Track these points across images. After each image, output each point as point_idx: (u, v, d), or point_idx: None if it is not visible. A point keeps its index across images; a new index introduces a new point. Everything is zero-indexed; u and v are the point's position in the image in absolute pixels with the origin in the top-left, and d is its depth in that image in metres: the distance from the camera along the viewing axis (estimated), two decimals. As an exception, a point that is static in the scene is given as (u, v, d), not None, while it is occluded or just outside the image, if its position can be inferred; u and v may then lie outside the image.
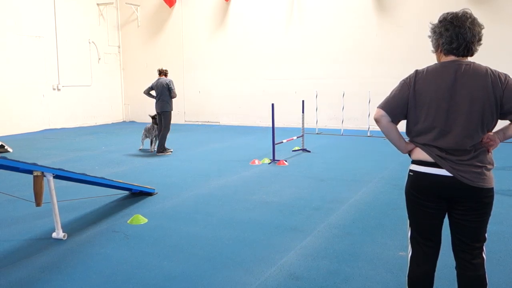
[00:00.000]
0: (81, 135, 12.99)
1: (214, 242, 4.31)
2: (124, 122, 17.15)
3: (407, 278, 2.59)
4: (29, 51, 13.82)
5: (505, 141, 2.45)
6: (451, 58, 2.38)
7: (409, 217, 2.57)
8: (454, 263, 2.55)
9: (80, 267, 3.79)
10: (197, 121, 15.98)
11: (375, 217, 4.99)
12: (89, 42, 15.80)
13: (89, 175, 5.11)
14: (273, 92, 14.21)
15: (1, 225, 4.93)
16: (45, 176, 4.32)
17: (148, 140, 9.90)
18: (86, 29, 15.66)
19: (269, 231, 4.60)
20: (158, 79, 9.42)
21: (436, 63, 2.44)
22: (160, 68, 9.69)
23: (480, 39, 2.36)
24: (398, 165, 7.74)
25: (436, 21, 2.44)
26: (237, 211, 5.30)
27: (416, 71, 2.45)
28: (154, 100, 9.48)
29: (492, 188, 2.40)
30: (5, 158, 4.18)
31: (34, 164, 4.29)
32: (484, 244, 2.49)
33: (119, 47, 17.06)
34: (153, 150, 9.62)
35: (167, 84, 9.25)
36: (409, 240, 2.60)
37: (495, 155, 2.49)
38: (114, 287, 3.43)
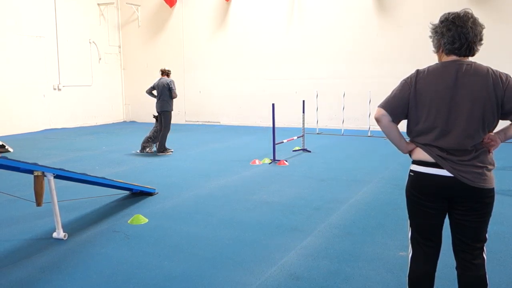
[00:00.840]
0: (82, 135, 13.00)
1: (214, 242, 4.31)
2: (124, 122, 17.16)
3: (407, 278, 2.59)
4: (30, 51, 13.83)
5: (506, 141, 2.45)
6: (453, 58, 2.38)
7: (410, 217, 2.56)
8: (454, 263, 2.55)
9: (80, 267, 3.79)
10: (197, 121, 15.99)
11: (376, 217, 4.99)
12: (90, 42, 15.81)
13: (89, 175, 5.11)
14: (274, 92, 14.21)
15: (2, 225, 4.93)
16: (45, 176, 4.32)
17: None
18: (87, 29, 15.66)
19: (270, 231, 4.60)
20: (160, 79, 9.45)
21: (437, 63, 2.44)
22: (163, 68, 9.71)
23: (481, 39, 2.36)
24: (399, 165, 7.74)
25: (436, 21, 2.44)
26: (238, 211, 5.30)
27: (417, 70, 2.45)
28: (155, 100, 9.50)
29: (493, 189, 2.40)
30: (5, 158, 4.18)
31: (35, 164, 4.29)
32: (485, 244, 2.49)
33: (119, 47, 17.07)
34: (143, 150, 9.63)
35: (167, 84, 9.28)
36: (409, 240, 2.59)
37: (495, 155, 2.48)
38: (115, 287, 3.43)
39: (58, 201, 4.45)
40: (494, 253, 3.84)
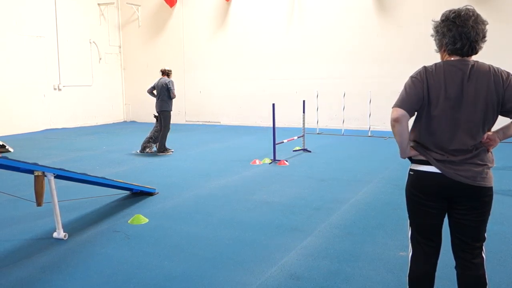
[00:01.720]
0: (82, 135, 13.00)
1: (214, 242, 4.31)
2: (124, 122, 17.16)
3: (407, 278, 2.59)
4: (30, 51, 13.83)
5: (504, 140, 2.45)
6: (456, 57, 2.36)
7: (410, 217, 2.56)
8: (454, 263, 2.55)
9: (80, 267, 3.79)
10: (197, 121, 15.99)
11: (376, 217, 4.99)
12: (90, 42, 15.81)
13: (90, 175, 5.12)
14: (274, 92, 14.20)
15: (2, 225, 4.94)
16: (46, 176, 4.32)
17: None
18: (87, 29, 15.67)
19: (270, 231, 4.60)
20: (160, 78, 9.48)
21: (442, 62, 2.41)
22: (163, 68, 9.72)
23: (484, 36, 2.32)
24: (399, 165, 7.73)
25: (437, 18, 2.39)
26: (238, 211, 5.30)
27: (425, 67, 2.38)
28: (155, 100, 9.52)
29: (492, 187, 2.40)
30: (6, 158, 4.18)
31: (35, 164, 4.29)
32: (484, 243, 2.49)
33: (120, 47, 17.07)
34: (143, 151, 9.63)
35: (166, 84, 9.31)
36: (409, 240, 2.59)
37: (495, 155, 2.48)
38: (115, 287, 3.43)
39: (58, 201, 4.45)
40: (494, 253, 3.84)
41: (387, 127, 12.17)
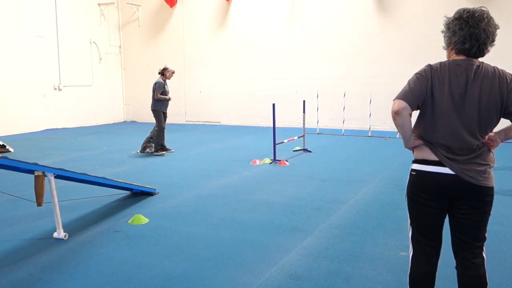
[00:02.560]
0: (82, 135, 13.00)
1: (214, 242, 4.31)
2: (125, 122, 17.16)
3: (408, 278, 2.59)
4: (30, 51, 13.83)
5: (506, 141, 2.46)
6: (462, 57, 2.35)
7: (410, 217, 2.56)
8: (454, 263, 2.55)
9: (81, 267, 3.79)
10: (197, 121, 15.98)
11: (376, 217, 4.99)
12: (90, 42, 15.81)
13: (90, 175, 5.12)
14: (274, 92, 14.20)
15: (2, 225, 4.94)
16: (46, 176, 4.32)
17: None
18: (87, 29, 15.67)
19: (270, 231, 4.60)
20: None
21: (448, 60, 2.40)
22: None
23: (493, 40, 2.32)
24: (399, 165, 7.74)
25: (450, 15, 2.38)
26: (238, 211, 5.30)
27: (430, 65, 2.38)
28: None
29: (493, 187, 2.41)
30: (6, 158, 4.18)
31: (35, 164, 4.29)
32: (484, 243, 2.49)
33: (120, 47, 17.07)
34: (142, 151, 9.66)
35: (154, 84, 9.39)
36: (410, 240, 2.59)
37: (496, 155, 2.49)
38: (115, 287, 3.43)
39: (58, 201, 4.45)
40: (494, 253, 3.84)
41: (387, 127, 12.18)
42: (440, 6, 11.45)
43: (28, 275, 3.66)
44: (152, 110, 9.42)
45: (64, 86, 14.92)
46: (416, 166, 2.46)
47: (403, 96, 2.34)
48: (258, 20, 14.51)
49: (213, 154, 9.34)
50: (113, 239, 4.43)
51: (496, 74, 2.30)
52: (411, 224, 2.57)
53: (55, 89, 14.67)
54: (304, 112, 9.54)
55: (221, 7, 15.06)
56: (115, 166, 8.20)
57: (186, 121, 16.13)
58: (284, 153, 8.96)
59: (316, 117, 12.73)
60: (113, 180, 5.50)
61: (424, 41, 11.66)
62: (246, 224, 4.82)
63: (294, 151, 9.39)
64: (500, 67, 2.39)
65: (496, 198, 2.46)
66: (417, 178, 2.46)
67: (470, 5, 2.47)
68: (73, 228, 4.75)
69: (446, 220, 2.51)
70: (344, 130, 12.36)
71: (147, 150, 9.47)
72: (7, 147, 9.77)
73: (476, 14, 2.27)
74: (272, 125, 8.50)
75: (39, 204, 4.27)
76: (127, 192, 6.01)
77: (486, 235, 2.48)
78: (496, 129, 2.42)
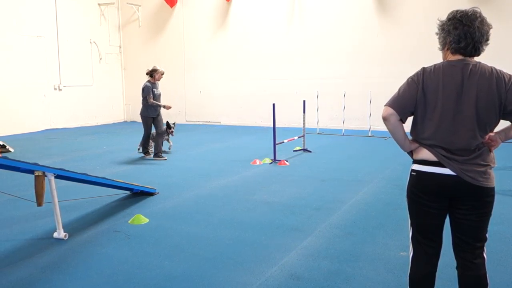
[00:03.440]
0: (82, 135, 13.00)
1: (215, 242, 4.31)
2: (125, 122, 17.16)
3: (408, 278, 2.59)
4: (31, 51, 13.83)
5: (506, 141, 2.45)
6: (458, 57, 2.36)
7: (411, 217, 2.56)
8: (455, 263, 2.55)
9: (81, 267, 3.79)
10: (198, 121, 15.99)
11: (376, 217, 4.99)
12: (90, 42, 15.81)
13: (90, 175, 5.11)
14: (274, 92, 14.20)
15: (2, 225, 4.94)
16: (46, 176, 4.32)
17: (166, 143, 9.70)
18: (87, 29, 15.67)
19: (270, 231, 4.60)
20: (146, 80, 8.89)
21: (443, 62, 2.42)
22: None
23: (487, 39, 2.34)
24: (399, 165, 7.73)
25: (443, 18, 2.41)
26: (238, 211, 5.30)
27: (424, 68, 2.41)
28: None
29: (494, 188, 2.41)
30: (6, 158, 4.18)
31: (35, 164, 4.29)
32: (485, 244, 2.49)
33: (120, 47, 17.07)
34: (169, 149, 9.50)
35: (142, 89, 8.73)
36: (410, 240, 2.59)
37: (496, 155, 2.48)
38: (115, 287, 3.43)
39: (58, 201, 4.46)
40: (494, 253, 3.84)
41: (388, 127, 12.16)
42: (440, 6, 11.44)
43: (28, 275, 3.66)
44: (141, 116, 8.80)
45: (64, 86, 14.92)
46: (416, 167, 2.46)
47: (391, 102, 2.43)
48: (258, 20, 14.51)
49: (213, 154, 9.33)
50: (113, 239, 4.43)
51: (494, 74, 2.31)
52: (411, 224, 2.57)
53: (55, 89, 14.68)
54: (304, 112, 9.54)
55: (221, 7, 15.06)
56: (115, 166, 8.20)
57: (186, 121, 16.13)
58: (284, 153, 8.96)
59: (316, 117, 12.73)
60: (113, 180, 5.50)
61: (424, 41, 11.64)
62: (246, 224, 4.82)
63: (294, 151, 9.38)
64: (499, 67, 2.40)
65: (496, 198, 2.45)
66: (417, 179, 2.46)
67: (470, 5, 2.48)
68: (73, 228, 4.75)
69: (447, 220, 2.51)
70: (344, 130, 12.36)
71: (150, 150, 9.23)
72: (7, 147, 9.77)
73: (469, 14, 2.31)
74: (272, 125, 8.50)
75: (39, 204, 4.27)
76: (127, 192, 6.01)
77: (487, 235, 2.47)
78: (496, 129, 2.42)
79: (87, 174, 5.08)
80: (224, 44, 15.15)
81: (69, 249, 4.20)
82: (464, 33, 2.30)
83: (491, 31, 2.36)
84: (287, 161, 8.21)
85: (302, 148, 9.45)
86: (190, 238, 4.42)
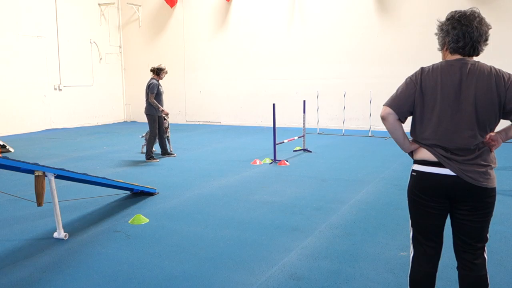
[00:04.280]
0: (83, 135, 13.00)
1: (215, 242, 4.31)
2: (125, 122, 17.16)
3: (408, 278, 2.59)
4: (31, 51, 13.83)
5: (507, 141, 2.45)
6: (457, 57, 2.37)
7: (411, 217, 2.56)
8: (455, 264, 2.55)
9: (81, 267, 3.79)
10: (198, 121, 15.99)
11: (376, 217, 4.98)
12: (91, 42, 15.81)
13: (90, 175, 5.11)
14: (274, 92, 14.21)
15: (3, 225, 4.94)
16: (46, 176, 4.32)
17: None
18: (88, 29, 15.67)
19: (270, 231, 4.60)
20: (150, 78, 8.77)
21: (441, 61, 2.43)
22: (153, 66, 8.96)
23: (486, 39, 2.35)
24: (400, 165, 7.73)
25: (442, 19, 2.43)
26: (238, 211, 5.30)
27: (422, 68, 2.43)
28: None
29: (495, 188, 2.40)
30: (6, 158, 4.18)
31: (36, 164, 4.29)
32: (486, 244, 2.48)
33: (120, 47, 17.07)
34: (171, 150, 9.27)
35: (147, 85, 8.59)
36: (411, 240, 2.59)
37: (496, 155, 2.48)
38: (115, 286, 3.43)
39: (59, 201, 4.46)
40: (494, 253, 3.84)
41: (388, 127, 12.16)
42: (440, 6, 11.45)
43: (28, 275, 3.66)
44: (146, 114, 8.65)
45: (64, 86, 14.92)
46: (417, 167, 2.46)
47: (389, 102, 2.45)
48: (259, 20, 14.51)
49: (213, 154, 9.33)
50: (114, 239, 4.43)
51: (493, 73, 2.31)
52: (412, 224, 2.56)
53: (55, 89, 14.68)
54: (304, 112, 9.54)
55: (221, 7, 15.06)
56: (115, 166, 8.19)
57: (187, 121, 16.13)
58: (285, 153, 8.96)
59: (317, 117, 12.73)
60: (113, 180, 5.50)
61: (425, 41, 11.64)
62: (246, 224, 4.81)
63: (294, 151, 9.38)
64: (498, 66, 2.40)
65: (497, 198, 2.45)
66: (417, 179, 2.46)
67: (470, 6, 2.49)
68: (73, 228, 4.75)
69: (448, 220, 2.51)
70: (345, 130, 12.36)
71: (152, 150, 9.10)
72: (7, 147, 9.77)
73: (468, 14, 2.33)
74: (272, 125, 8.50)
75: (39, 204, 4.27)
76: (128, 192, 6.01)
77: (487, 236, 2.47)
78: (497, 129, 2.42)
79: (87, 174, 5.07)
80: (224, 44, 15.15)
81: (69, 249, 4.19)
82: (463, 32, 2.30)
83: (490, 31, 2.36)
84: (287, 161, 8.21)
85: (302, 148, 9.45)
86: (190, 238, 4.42)
